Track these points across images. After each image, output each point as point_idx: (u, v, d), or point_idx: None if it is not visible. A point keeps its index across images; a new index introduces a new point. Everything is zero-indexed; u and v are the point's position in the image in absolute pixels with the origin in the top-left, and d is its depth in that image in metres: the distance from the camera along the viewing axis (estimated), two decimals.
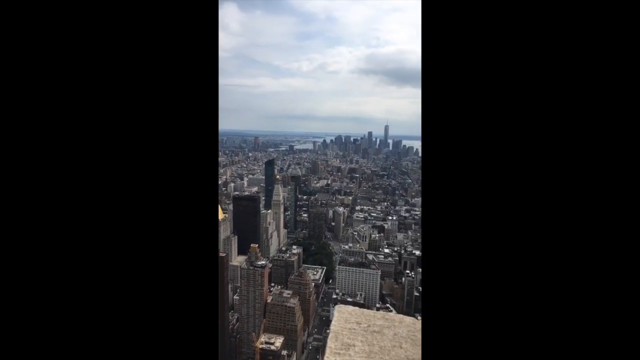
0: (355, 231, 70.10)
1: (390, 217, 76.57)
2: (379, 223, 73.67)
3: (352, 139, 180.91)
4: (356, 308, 2.29)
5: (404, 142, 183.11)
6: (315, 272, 59.34)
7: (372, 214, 78.73)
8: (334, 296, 52.24)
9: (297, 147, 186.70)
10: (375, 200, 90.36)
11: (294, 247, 67.06)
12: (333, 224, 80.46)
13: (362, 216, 77.55)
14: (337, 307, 2.26)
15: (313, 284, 54.33)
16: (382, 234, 69.07)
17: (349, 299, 50.47)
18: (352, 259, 60.22)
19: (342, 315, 2.18)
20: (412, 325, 2.09)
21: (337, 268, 59.41)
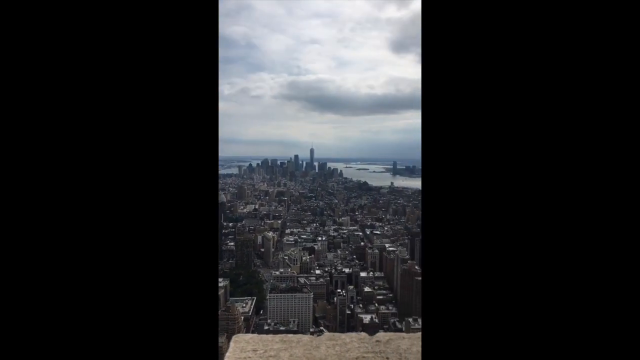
0: (285, 255, 68.96)
1: (320, 238, 77.87)
2: (309, 245, 74.10)
3: (278, 162, 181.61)
4: (255, 335, 2.25)
5: (329, 165, 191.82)
6: (244, 304, 55.71)
7: (302, 236, 78.94)
8: (266, 327, 49.64)
9: (222, 172, 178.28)
10: (305, 222, 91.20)
11: (220, 280, 62.20)
12: (262, 250, 77.74)
13: (292, 239, 77.04)
14: (234, 337, 2.19)
15: (242, 317, 50.79)
16: (312, 256, 69.52)
17: (282, 328, 48.56)
18: (284, 285, 58.74)
19: (238, 345, 2.11)
20: (309, 344, 2.14)
21: (267, 297, 57.01)
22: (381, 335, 2.31)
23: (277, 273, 63.73)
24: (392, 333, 2.32)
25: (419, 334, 2.29)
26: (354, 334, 2.30)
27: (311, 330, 50.14)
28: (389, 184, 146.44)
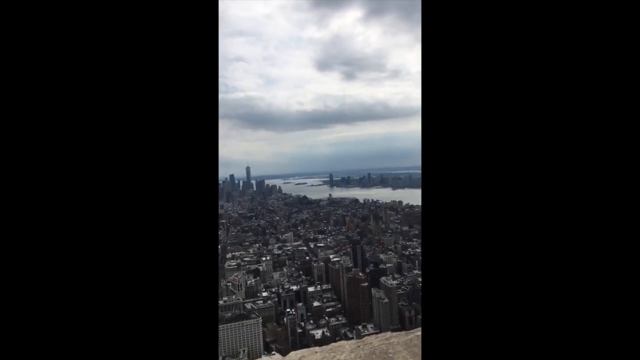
0: (229, 282, 64.79)
1: (264, 258, 75.31)
2: (253, 267, 71.02)
3: None
4: None
5: (267, 182, 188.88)
6: None
7: (245, 259, 75.34)
8: None
9: None
10: (247, 243, 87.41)
11: None
12: None
13: (234, 263, 72.84)
14: None
15: None
16: (258, 278, 66.74)
17: None
18: (229, 314, 54.93)
19: None
20: None
21: None
22: (293, 354, 2.26)
23: (221, 302, 59.42)
24: (306, 349, 2.29)
25: (331, 345, 2.29)
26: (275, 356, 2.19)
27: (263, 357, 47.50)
28: (327, 195, 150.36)
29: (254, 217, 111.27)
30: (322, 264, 70.97)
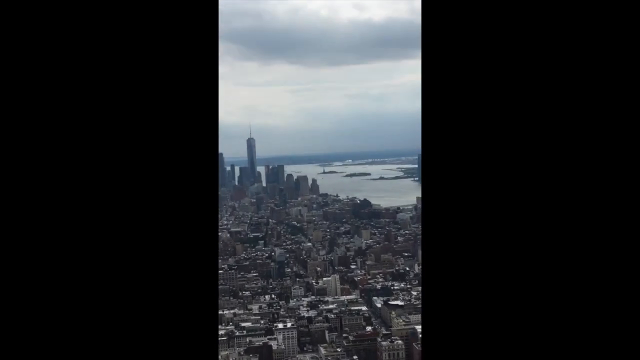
0: None
1: (280, 325, 65.49)
2: (259, 341, 61.49)
3: None
4: None
5: (288, 169, 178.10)
6: None
7: (244, 325, 66.19)
8: None
9: None
10: (247, 293, 78.33)
11: None
12: None
13: (223, 332, 63.87)
14: None
15: None
16: None
17: None
18: None
19: None
20: None
21: None
22: None
23: None
24: None
25: None
26: None
27: None
28: (414, 200, 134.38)
29: (262, 241, 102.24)
30: (399, 341, 59.19)
